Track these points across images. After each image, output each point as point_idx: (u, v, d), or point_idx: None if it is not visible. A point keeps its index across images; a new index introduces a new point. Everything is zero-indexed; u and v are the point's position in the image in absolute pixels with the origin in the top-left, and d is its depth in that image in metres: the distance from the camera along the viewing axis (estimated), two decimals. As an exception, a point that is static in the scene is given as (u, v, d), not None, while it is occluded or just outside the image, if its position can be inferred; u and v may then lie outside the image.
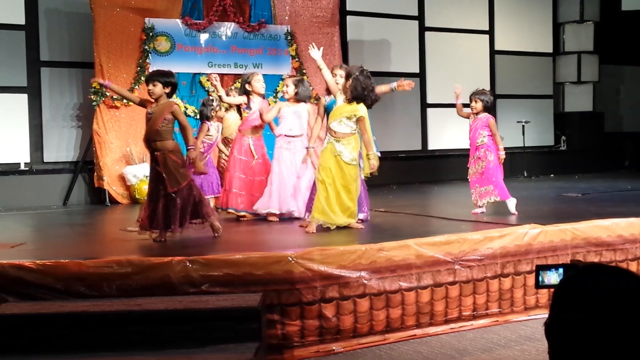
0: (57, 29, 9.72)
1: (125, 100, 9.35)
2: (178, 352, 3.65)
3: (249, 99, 6.92)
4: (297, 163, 6.64)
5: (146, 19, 9.64)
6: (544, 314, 1.45)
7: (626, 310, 1.31)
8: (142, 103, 5.75)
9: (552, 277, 1.91)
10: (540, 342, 4.33)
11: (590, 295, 1.34)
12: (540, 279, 1.91)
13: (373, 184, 10.96)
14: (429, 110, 12.37)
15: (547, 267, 1.92)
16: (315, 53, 6.09)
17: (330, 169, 5.77)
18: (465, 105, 6.93)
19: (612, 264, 5.36)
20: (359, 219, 6.06)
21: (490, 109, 6.83)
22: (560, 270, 1.89)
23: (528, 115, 12.83)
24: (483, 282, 4.91)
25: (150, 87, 5.49)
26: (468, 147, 6.90)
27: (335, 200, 5.76)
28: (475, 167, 6.73)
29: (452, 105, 6.49)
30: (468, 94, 6.85)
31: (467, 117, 6.89)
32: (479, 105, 6.75)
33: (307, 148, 6.55)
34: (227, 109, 7.97)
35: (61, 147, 9.70)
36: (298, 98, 6.71)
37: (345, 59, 11.18)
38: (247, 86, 6.93)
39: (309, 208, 6.10)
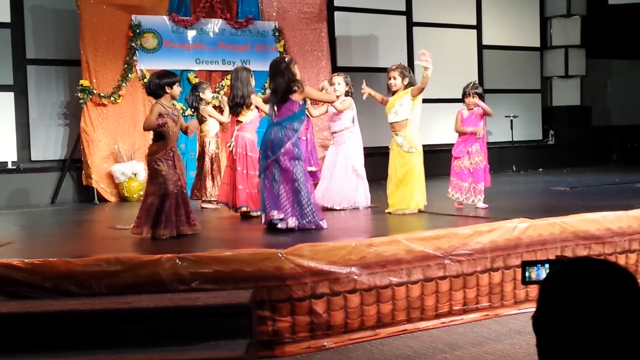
0: (43, 26, 9.65)
1: (112, 98, 9.30)
2: (169, 349, 3.65)
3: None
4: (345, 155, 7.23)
5: (133, 16, 9.59)
6: (534, 308, 1.46)
7: (612, 302, 1.31)
8: None
9: (539, 273, 1.91)
10: (530, 335, 4.30)
11: (576, 288, 1.34)
12: (526, 274, 1.91)
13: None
14: (418, 106, 12.35)
15: (533, 263, 1.91)
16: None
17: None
18: (454, 100, 6.97)
19: (601, 257, 5.39)
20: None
21: None
22: (546, 265, 1.89)
23: (516, 109, 12.86)
24: (473, 277, 4.93)
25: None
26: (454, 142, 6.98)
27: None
28: (469, 160, 6.74)
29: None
30: (458, 88, 6.87)
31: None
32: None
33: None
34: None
35: (48, 146, 9.64)
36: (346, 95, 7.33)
37: (333, 54, 11.18)
38: None
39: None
